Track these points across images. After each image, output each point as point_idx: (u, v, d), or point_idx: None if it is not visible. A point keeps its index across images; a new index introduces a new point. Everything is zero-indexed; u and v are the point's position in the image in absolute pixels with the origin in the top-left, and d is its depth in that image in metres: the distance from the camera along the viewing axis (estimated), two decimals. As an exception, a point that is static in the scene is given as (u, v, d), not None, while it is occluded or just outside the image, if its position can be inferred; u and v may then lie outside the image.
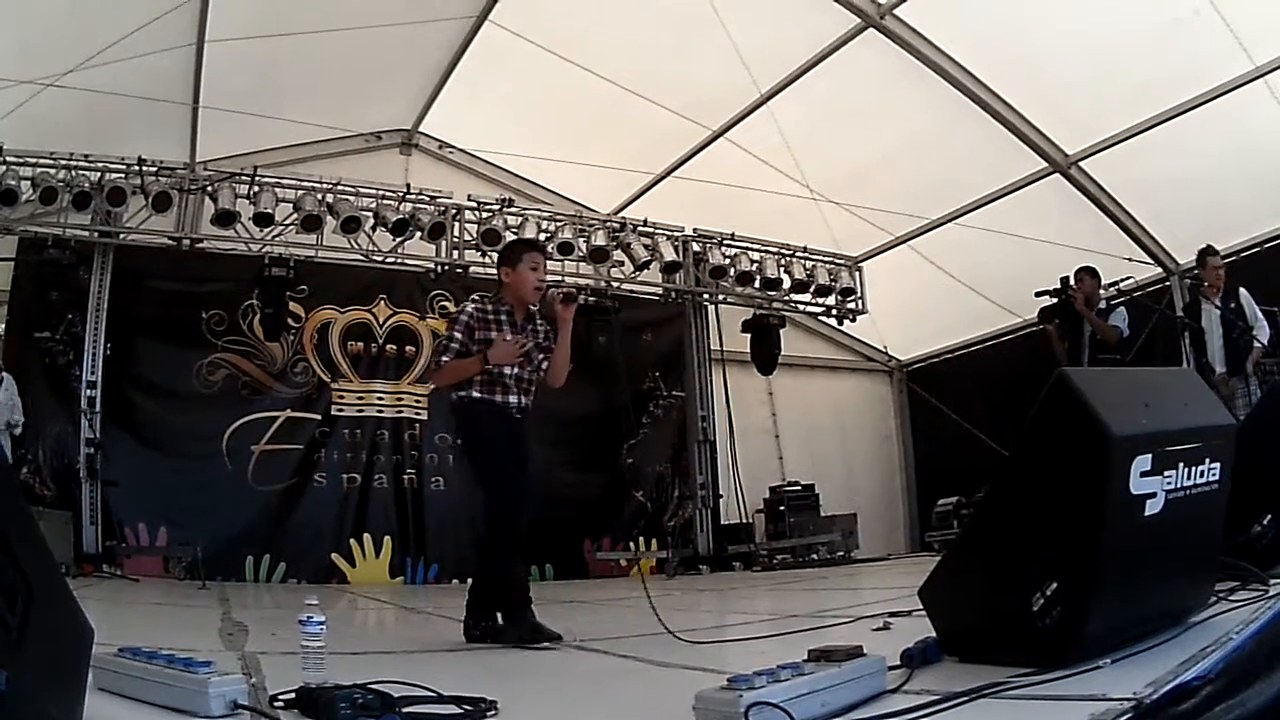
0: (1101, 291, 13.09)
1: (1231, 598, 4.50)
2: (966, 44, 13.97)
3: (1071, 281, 12.99)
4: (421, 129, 18.31)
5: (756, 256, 17.85)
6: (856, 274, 18.83)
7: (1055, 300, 13.04)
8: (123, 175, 13.67)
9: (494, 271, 15.39)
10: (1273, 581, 4.76)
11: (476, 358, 6.86)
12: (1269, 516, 5.39)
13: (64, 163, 13.37)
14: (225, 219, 14.05)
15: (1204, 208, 14.58)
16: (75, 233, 13.91)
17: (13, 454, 12.68)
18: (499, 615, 6.79)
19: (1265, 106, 13.04)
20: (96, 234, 14.12)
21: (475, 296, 7.41)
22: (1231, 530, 4.58)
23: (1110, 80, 13.57)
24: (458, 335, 6.95)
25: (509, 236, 15.59)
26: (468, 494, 15.97)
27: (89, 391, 13.84)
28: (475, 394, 6.97)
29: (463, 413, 7.06)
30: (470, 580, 7.41)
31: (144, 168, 13.74)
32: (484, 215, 15.84)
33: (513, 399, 7.16)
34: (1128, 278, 13.20)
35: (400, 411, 16.27)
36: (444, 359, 6.93)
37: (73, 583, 10.32)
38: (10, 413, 12.73)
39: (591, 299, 16.23)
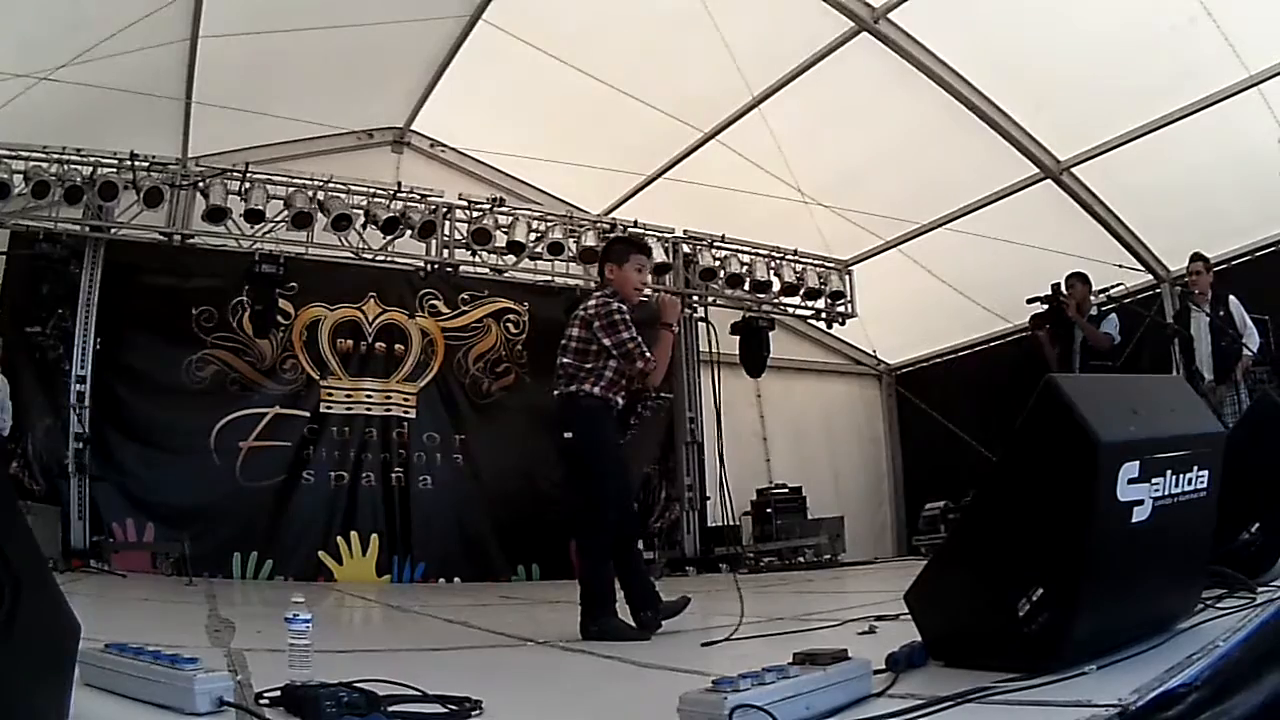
0: (1092, 298, 13.12)
1: (1218, 605, 4.55)
2: (960, 49, 13.97)
3: (1063, 288, 13.02)
4: (413, 127, 18.30)
5: (747, 259, 17.87)
6: (846, 277, 18.86)
7: (1046, 306, 13.06)
8: (115, 170, 13.65)
9: (484, 270, 15.54)
10: (1260, 590, 4.79)
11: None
12: (1257, 525, 5.43)
13: (56, 157, 13.34)
14: (216, 215, 14.01)
15: (1196, 215, 14.62)
16: (66, 227, 13.89)
17: (-1, 451, 12.69)
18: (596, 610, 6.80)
19: (1258, 115, 13.05)
20: (88, 228, 14.09)
21: (608, 292, 7.39)
22: (1219, 538, 4.61)
23: (1104, 86, 13.58)
24: (633, 329, 7.12)
25: (499, 236, 15.66)
26: (455, 493, 16.05)
27: (78, 386, 13.82)
28: (597, 392, 7.11)
29: (582, 411, 7.13)
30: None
31: (136, 163, 13.72)
32: (474, 214, 15.86)
33: (620, 399, 7.33)
34: (1118, 284, 13.19)
35: (389, 410, 16.27)
36: (648, 353, 7.11)
37: (60, 578, 10.30)
38: (3, 415, 12.70)
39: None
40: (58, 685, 2.85)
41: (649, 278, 7.14)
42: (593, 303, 7.28)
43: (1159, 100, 13.61)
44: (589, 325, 7.15)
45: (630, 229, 16.65)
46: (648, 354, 7.09)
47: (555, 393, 7.31)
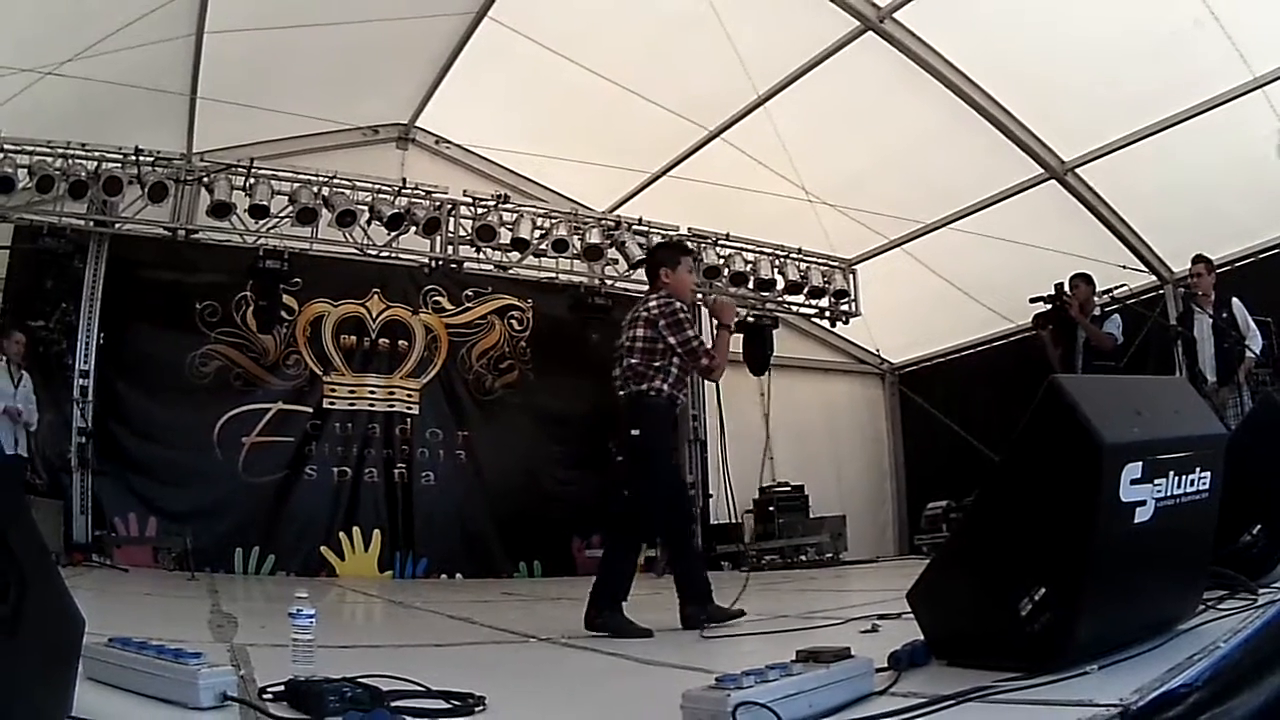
0: (1096, 299, 13.12)
1: (1220, 606, 4.56)
2: (966, 49, 13.94)
3: (1066, 288, 13.01)
4: (418, 124, 18.27)
5: (751, 257, 17.83)
6: (850, 276, 18.83)
7: (1050, 306, 13.05)
8: (119, 165, 13.60)
9: (488, 267, 15.55)
10: (1261, 591, 4.79)
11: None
12: (1259, 526, 5.43)
13: (61, 151, 13.33)
14: (221, 210, 14.00)
15: (1199, 217, 14.59)
16: (71, 221, 13.86)
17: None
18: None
19: (1263, 117, 13.00)
20: (92, 223, 14.13)
21: (664, 295, 7.66)
22: (1221, 539, 4.61)
23: (1109, 88, 13.55)
24: (696, 328, 7.60)
25: (504, 233, 15.64)
26: (457, 489, 16.09)
27: (81, 380, 13.87)
28: (666, 389, 7.45)
29: (650, 409, 7.43)
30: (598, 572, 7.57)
31: (140, 157, 13.68)
32: (479, 211, 15.83)
33: (683, 397, 7.77)
34: (1122, 285, 13.17)
35: (392, 406, 16.30)
36: (713, 350, 7.64)
37: (63, 572, 10.36)
38: (30, 411, 12.70)
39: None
40: (62, 679, 2.86)
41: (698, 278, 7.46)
42: (654, 303, 7.57)
43: (1164, 102, 13.58)
44: (654, 324, 7.46)
45: (635, 226, 16.68)
46: (710, 352, 7.56)
47: (622, 392, 7.54)
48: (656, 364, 7.40)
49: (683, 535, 7.73)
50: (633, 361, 7.45)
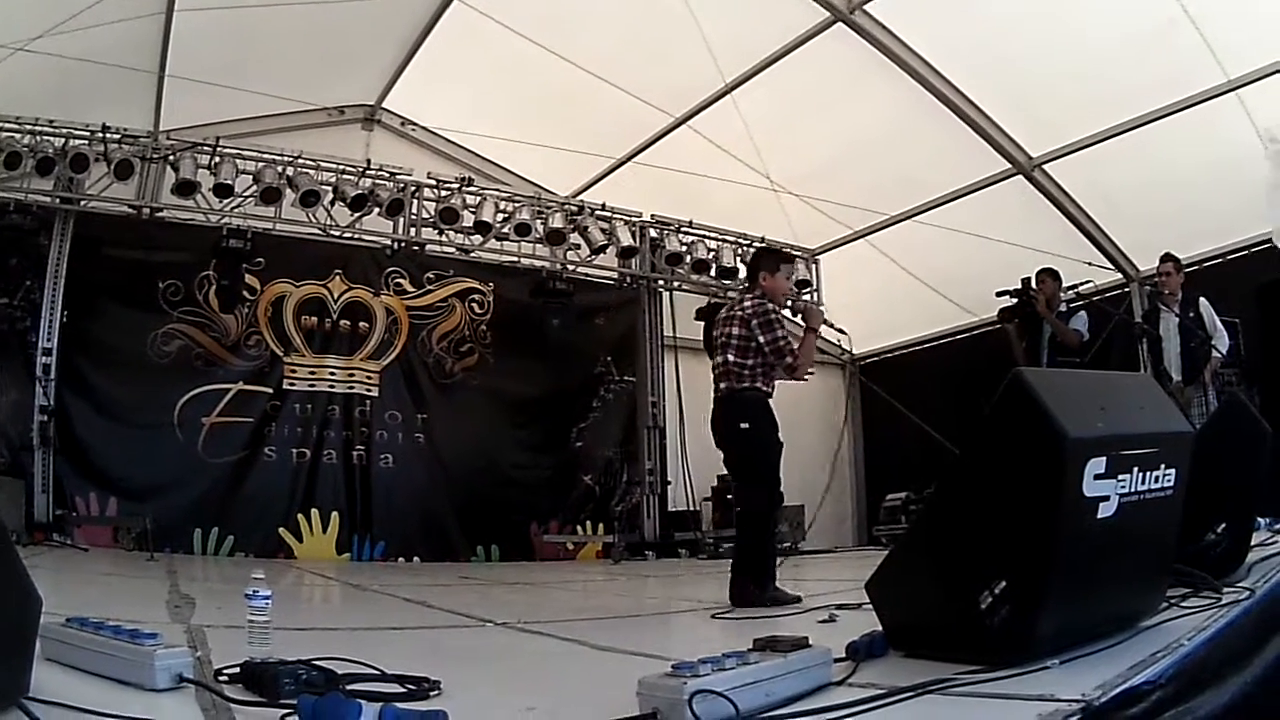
0: (1061, 294, 13.17)
1: (1184, 604, 4.57)
2: (936, 43, 14.01)
3: (1033, 283, 13.07)
4: (385, 105, 18.26)
5: (713, 245, 17.93)
6: (814, 266, 18.91)
7: (1016, 300, 13.11)
8: (86, 142, 13.61)
9: (450, 250, 15.58)
10: (1225, 590, 4.81)
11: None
12: (1223, 525, 5.47)
13: (29, 128, 13.35)
14: (186, 189, 13.98)
15: (1167, 216, 14.66)
16: (37, 198, 13.81)
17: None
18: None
19: (1236, 119, 13.07)
20: (58, 200, 14.04)
21: (758, 296, 8.30)
22: (1185, 538, 4.64)
23: (1079, 85, 13.61)
24: (785, 328, 8.10)
25: (467, 216, 15.65)
26: (416, 472, 16.07)
27: (44, 359, 13.74)
28: (761, 385, 8.07)
29: (751, 403, 8.05)
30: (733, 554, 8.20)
31: (108, 135, 13.68)
32: (443, 194, 15.91)
33: (772, 390, 8.24)
34: (1087, 281, 13.25)
35: (351, 387, 16.24)
36: (799, 350, 8.14)
37: (23, 551, 10.29)
38: None
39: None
40: (19, 659, 2.86)
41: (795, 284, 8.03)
42: (749, 304, 8.18)
43: (1135, 101, 13.66)
44: (748, 324, 8.04)
45: (598, 211, 16.71)
46: (797, 350, 8.07)
47: (722, 385, 8.20)
48: (749, 361, 8.01)
49: (767, 521, 8.16)
50: (729, 359, 8.08)
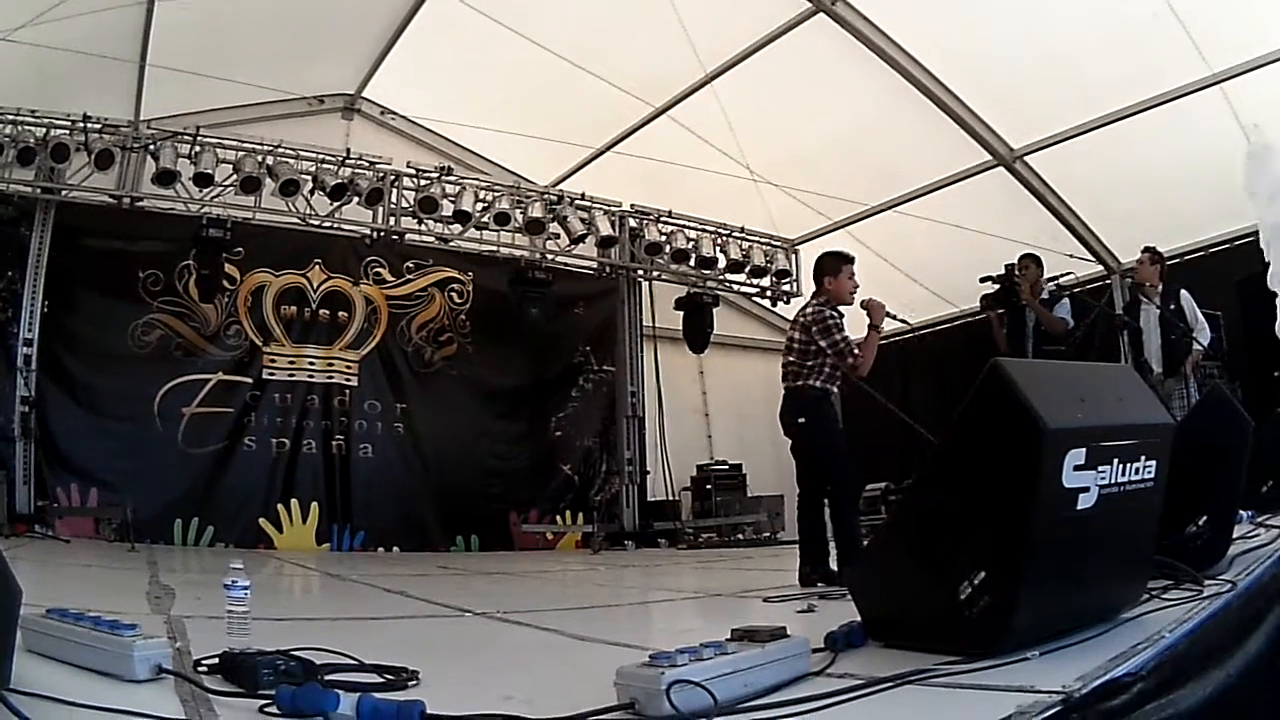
0: (1044, 283, 13.16)
1: (1164, 596, 4.54)
2: (918, 34, 14.01)
3: (1016, 269, 13.05)
4: (364, 94, 18.22)
5: (693, 235, 17.92)
6: (793, 256, 18.91)
7: (999, 287, 13.05)
8: (67, 131, 13.56)
9: (429, 239, 15.58)
10: (1207, 583, 4.81)
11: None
12: (1204, 518, 5.48)
13: (10, 118, 13.29)
14: (166, 178, 13.92)
15: (1149, 209, 14.71)
16: (18, 188, 13.77)
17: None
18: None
19: (1218, 113, 13.10)
20: (39, 190, 13.99)
21: (821, 300, 8.93)
22: (1166, 530, 4.63)
23: (1062, 78, 13.63)
24: (844, 331, 8.67)
25: (446, 205, 15.63)
26: (395, 462, 16.07)
27: (25, 349, 13.69)
28: (818, 384, 8.72)
29: (809, 401, 8.72)
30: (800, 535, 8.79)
31: (89, 124, 13.62)
32: (422, 183, 15.84)
33: (835, 388, 8.99)
34: (1068, 273, 13.23)
35: (331, 377, 16.22)
36: (856, 350, 8.71)
37: (4, 542, 10.38)
38: None
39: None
40: (-1, 650, 2.87)
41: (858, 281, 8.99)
42: (810, 310, 8.85)
43: (1117, 94, 13.71)
44: (808, 330, 8.69)
45: (577, 201, 16.70)
46: (856, 351, 8.67)
47: (785, 385, 8.87)
48: (810, 364, 8.67)
49: (834, 496, 8.75)
50: (790, 360, 8.78)
